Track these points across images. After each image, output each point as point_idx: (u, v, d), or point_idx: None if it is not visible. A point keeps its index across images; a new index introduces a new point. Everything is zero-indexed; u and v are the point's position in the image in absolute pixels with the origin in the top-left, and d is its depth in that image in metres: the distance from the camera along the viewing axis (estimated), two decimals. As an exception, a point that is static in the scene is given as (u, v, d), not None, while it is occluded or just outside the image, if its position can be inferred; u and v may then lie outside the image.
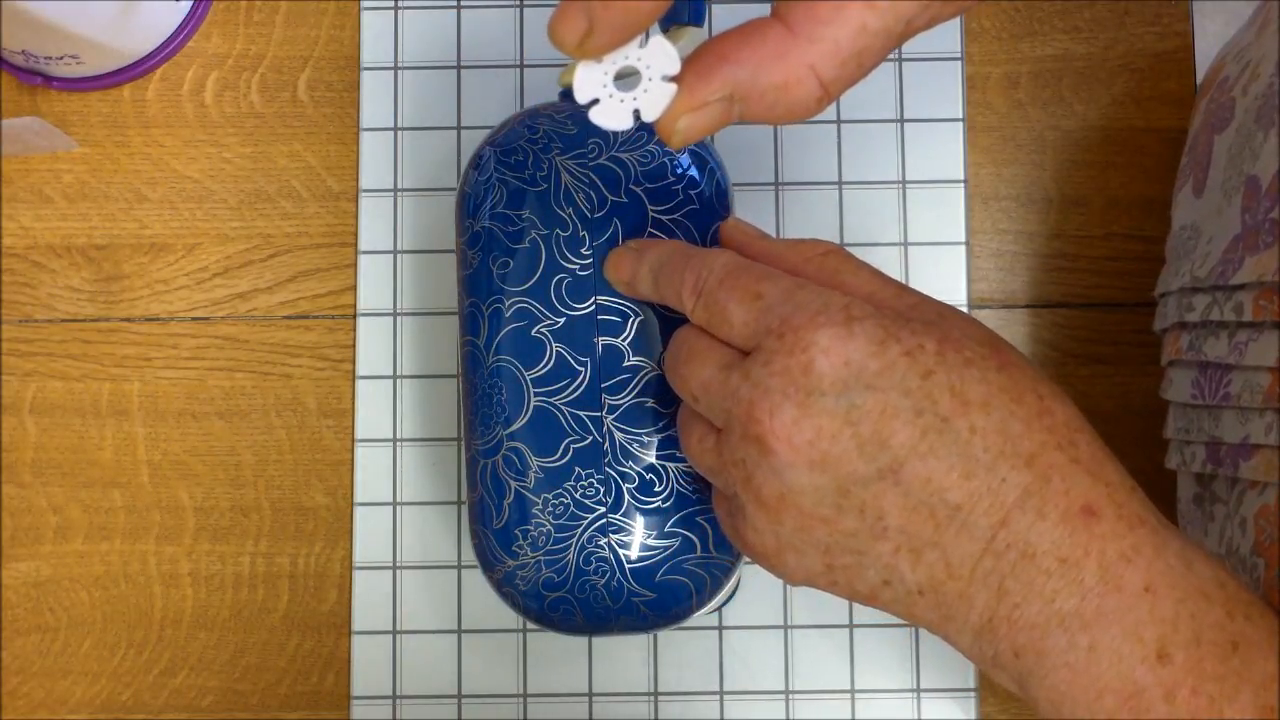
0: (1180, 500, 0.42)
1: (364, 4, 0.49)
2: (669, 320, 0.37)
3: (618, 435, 0.37)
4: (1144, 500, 0.31)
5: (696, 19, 0.42)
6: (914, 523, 0.30)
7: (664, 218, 0.38)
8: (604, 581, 0.37)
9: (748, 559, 0.35)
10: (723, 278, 0.33)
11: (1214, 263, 0.38)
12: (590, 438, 0.37)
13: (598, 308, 0.37)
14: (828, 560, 0.32)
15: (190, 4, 0.48)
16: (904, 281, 0.47)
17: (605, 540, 0.37)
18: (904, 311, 0.32)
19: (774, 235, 0.47)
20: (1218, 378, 0.38)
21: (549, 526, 0.37)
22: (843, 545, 0.31)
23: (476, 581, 0.46)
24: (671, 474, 0.37)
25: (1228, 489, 0.38)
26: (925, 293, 0.33)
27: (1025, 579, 0.29)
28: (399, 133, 0.48)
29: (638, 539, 0.37)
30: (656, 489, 0.37)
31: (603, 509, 0.37)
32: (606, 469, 0.37)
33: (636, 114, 0.30)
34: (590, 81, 0.29)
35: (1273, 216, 0.35)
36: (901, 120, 0.48)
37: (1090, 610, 0.29)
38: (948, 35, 0.48)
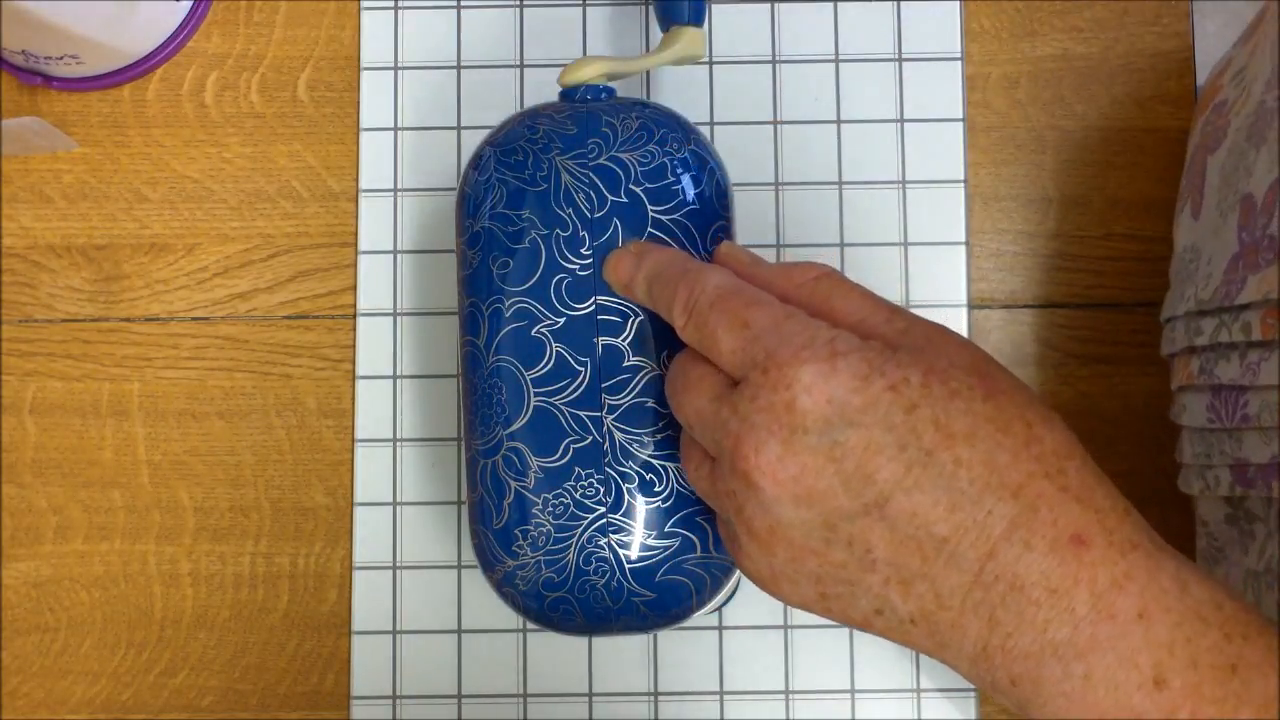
0: (1209, 523, 0.41)
1: (364, 4, 0.49)
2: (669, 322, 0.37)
3: (618, 435, 0.37)
4: (1137, 523, 0.30)
5: (696, 19, 0.43)
6: (901, 556, 0.30)
7: (664, 218, 0.38)
8: (604, 581, 0.37)
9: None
10: (714, 300, 0.33)
11: (1216, 284, 0.38)
12: (590, 438, 0.37)
13: (598, 308, 0.37)
14: (820, 589, 0.32)
15: (190, 4, 0.48)
16: (904, 282, 0.47)
17: (605, 540, 0.37)
18: (893, 338, 0.32)
19: (774, 235, 0.47)
20: (1233, 400, 0.37)
21: (549, 526, 0.37)
22: (834, 576, 0.31)
23: (476, 581, 0.46)
24: (671, 474, 0.37)
25: (1264, 507, 0.37)
26: (918, 315, 0.33)
27: (1015, 610, 0.29)
28: (399, 133, 0.48)
29: (638, 539, 0.37)
30: (656, 489, 0.37)
31: (603, 509, 0.37)
32: (606, 469, 0.37)
33: None
34: None
35: (1270, 233, 0.35)
36: (901, 120, 0.48)
37: (1083, 639, 0.29)
38: (948, 35, 0.48)
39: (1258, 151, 0.36)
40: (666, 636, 0.46)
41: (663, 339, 0.37)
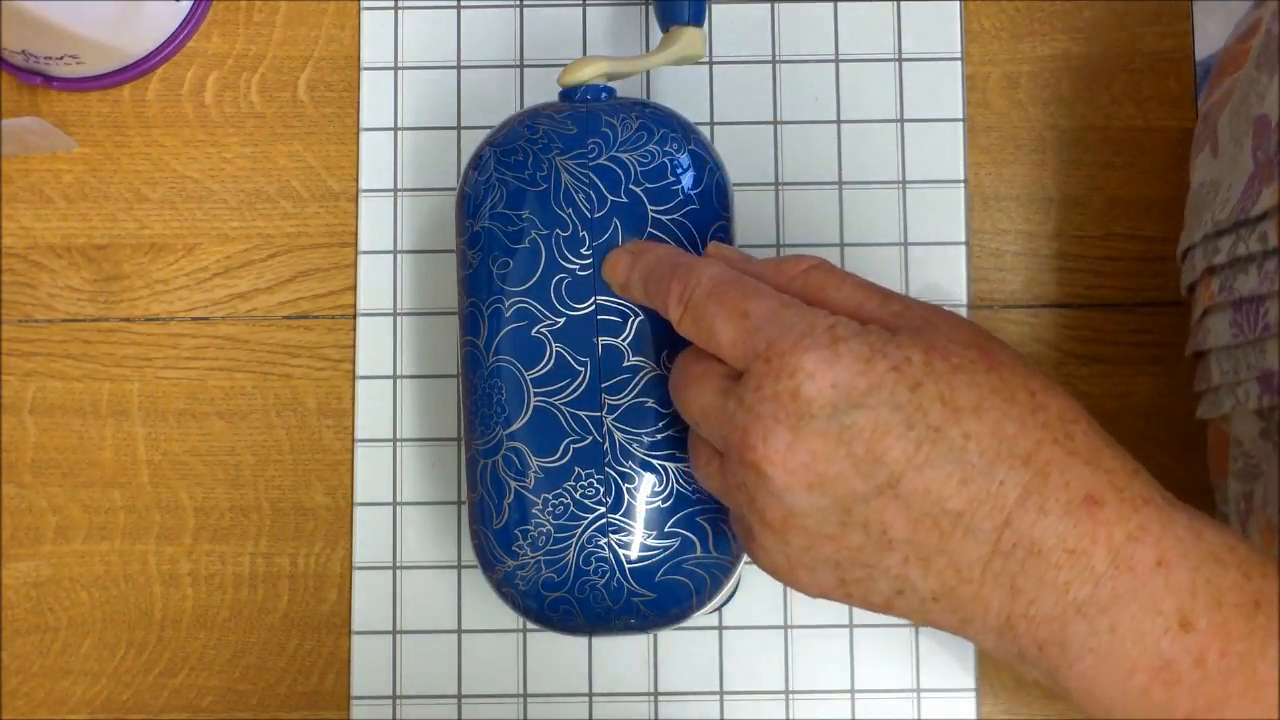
0: (1243, 442, 0.41)
1: (364, 4, 0.49)
2: (668, 322, 0.37)
3: (618, 435, 0.37)
4: (1148, 480, 0.31)
5: (696, 19, 0.43)
6: (919, 533, 0.30)
7: (664, 218, 0.38)
8: (604, 581, 0.37)
9: (748, 559, 0.35)
10: (710, 291, 0.33)
11: (1233, 205, 0.38)
12: (590, 438, 0.37)
13: (598, 308, 0.37)
14: (839, 575, 0.32)
15: (190, 4, 0.48)
16: (904, 282, 0.47)
17: (605, 540, 0.37)
18: (889, 321, 0.32)
19: (774, 235, 0.47)
20: (1254, 310, 0.38)
21: (549, 526, 0.37)
22: (852, 560, 0.31)
23: (476, 581, 0.46)
24: (671, 474, 0.37)
25: None
26: (911, 296, 0.33)
27: (1035, 575, 0.29)
28: (399, 133, 0.48)
29: (638, 539, 0.37)
30: (656, 489, 0.37)
31: (603, 509, 0.37)
32: (606, 469, 0.37)
33: None
34: None
35: None
36: (901, 120, 0.48)
37: (1105, 594, 0.29)
38: (948, 35, 0.48)
39: (1270, 77, 0.37)
40: (666, 636, 0.46)
41: (663, 339, 0.37)
